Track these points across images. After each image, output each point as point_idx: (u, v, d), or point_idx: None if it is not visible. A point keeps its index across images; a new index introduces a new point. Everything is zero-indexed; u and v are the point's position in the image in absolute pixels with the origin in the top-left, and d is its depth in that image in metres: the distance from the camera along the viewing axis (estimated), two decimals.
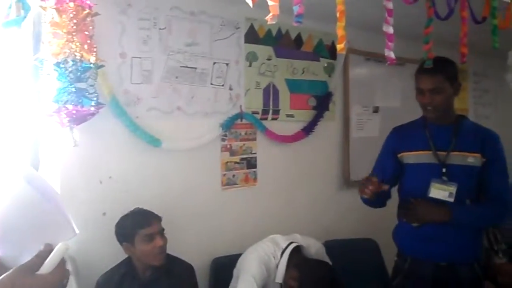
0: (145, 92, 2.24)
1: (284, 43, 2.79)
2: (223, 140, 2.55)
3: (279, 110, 2.79)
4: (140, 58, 2.21)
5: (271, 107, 2.75)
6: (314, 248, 2.28)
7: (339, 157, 3.16)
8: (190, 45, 2.38)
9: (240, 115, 2.58)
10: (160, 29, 2.27)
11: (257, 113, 2.68)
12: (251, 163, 2.67)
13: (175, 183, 2.35)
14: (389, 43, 1.68)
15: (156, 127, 2.27)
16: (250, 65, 2.64)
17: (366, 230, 2.94)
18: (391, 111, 3.37)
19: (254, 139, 2.68)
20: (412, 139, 2.02)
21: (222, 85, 2.52)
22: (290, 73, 2.83)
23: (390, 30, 1.67)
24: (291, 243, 2.19)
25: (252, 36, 2.63)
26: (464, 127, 1.96)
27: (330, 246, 2.67)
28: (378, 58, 3.32)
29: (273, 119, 2.76)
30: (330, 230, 2.95)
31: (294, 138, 2.83)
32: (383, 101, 3.41)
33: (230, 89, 2.56)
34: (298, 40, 2.87)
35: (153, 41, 2.25)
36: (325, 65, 3.01)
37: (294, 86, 2.85)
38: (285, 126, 2.81)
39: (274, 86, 2.76)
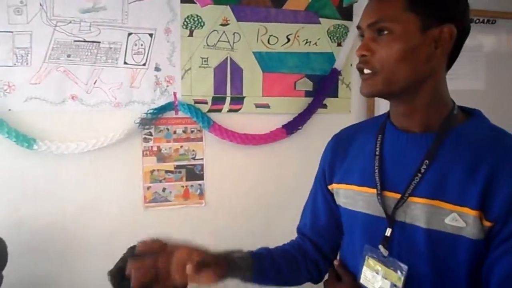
0: (21, 77, 1.70)
1: (251, 0, 1.91)
2: (146, 140, 1.84)
3: (242, 98, 1.93)
4: (11, 32, 1.68)
5: (228, 93, 1.91)
6: None
7: None
8: (90, 11, 1.75)
9: (172, 106, 1.84)
10: None
11: (205, 102, 1.89)
12: (194, 173, 1.90)
13: (65, 200, 1.76)
14: None
15: (37, 123, 1.72)
16: (190, 35, 1.86)
17: None
18: (467, 98, 2.10)
19: (200, 140, 1.90)
20: (353, 158, 0.99)
21: (143, 65, 1.82)
22: (262, 43, 1.94)
23: None
24: None
25: None
26: (457, 141, 0.84)
27: None
28: None
29: (231, 110, 1.92)
30: None
31: (267, 138, 1.94)
32: (450, 81, 2.17)
33: (157, 69, 1.83)
34: None
35: (30, 9, 1.70)
36: (331, 28, 2.01)
37: (270, 62, 1.95)
38: (254, 120, 1.94)
39: (233, 63, 1.91)
